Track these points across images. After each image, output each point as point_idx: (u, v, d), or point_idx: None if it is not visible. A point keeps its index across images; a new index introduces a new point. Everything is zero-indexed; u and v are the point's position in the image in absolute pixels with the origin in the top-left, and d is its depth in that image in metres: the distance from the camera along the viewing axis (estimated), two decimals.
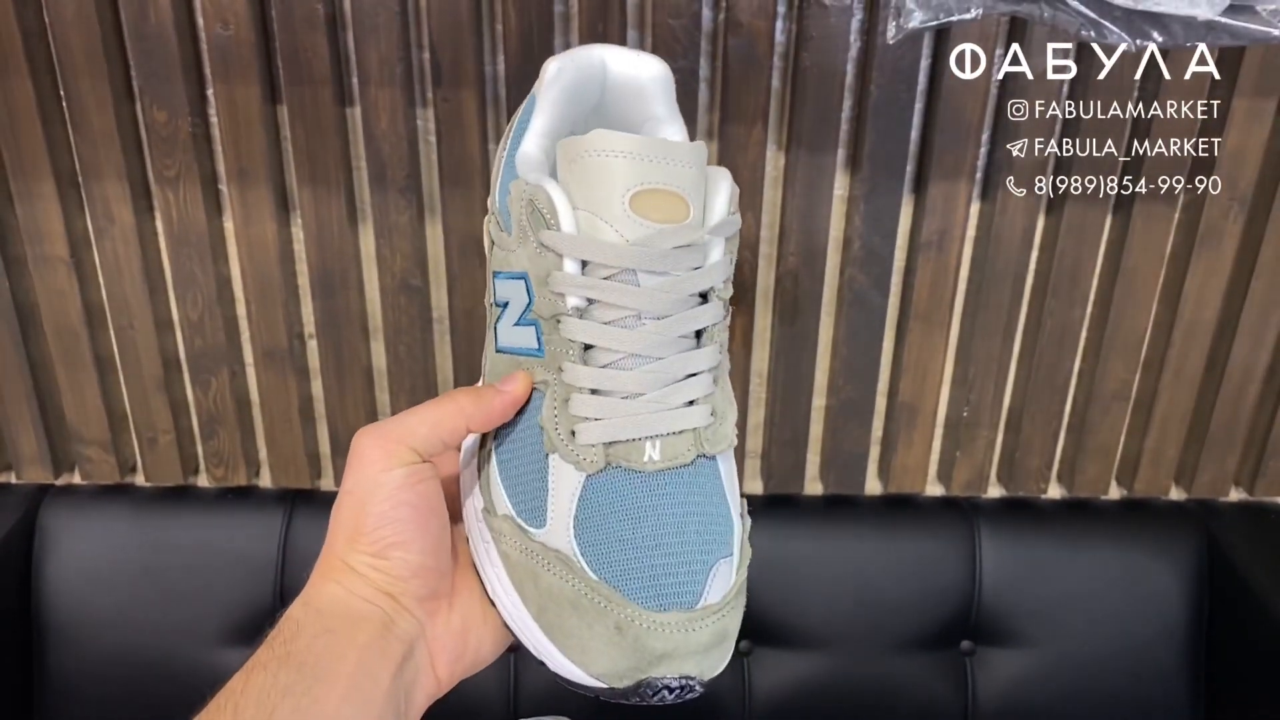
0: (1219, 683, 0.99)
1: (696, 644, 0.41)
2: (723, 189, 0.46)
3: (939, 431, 1.01)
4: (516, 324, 0.45)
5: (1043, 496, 1.03)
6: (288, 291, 0.93)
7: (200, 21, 0.84)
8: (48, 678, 0.99)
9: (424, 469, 0.44)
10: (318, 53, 0.83)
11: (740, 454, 1.00)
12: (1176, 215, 0.92)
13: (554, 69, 0.50)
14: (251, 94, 0.85)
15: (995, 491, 1.04)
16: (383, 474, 0.43)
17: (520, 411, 0.46)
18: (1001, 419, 1.00)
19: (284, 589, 0.97)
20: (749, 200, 0.89)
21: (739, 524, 0.47)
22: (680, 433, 0.43)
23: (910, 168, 0.90)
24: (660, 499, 0.42)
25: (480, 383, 0.50)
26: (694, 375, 0.44)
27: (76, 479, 1.03)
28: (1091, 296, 0.95)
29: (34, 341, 0.96)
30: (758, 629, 0.99)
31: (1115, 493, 1.04)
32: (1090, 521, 1.01)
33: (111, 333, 0.96)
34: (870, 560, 0.99)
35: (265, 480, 1.03)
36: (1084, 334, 0.97)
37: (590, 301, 0.43)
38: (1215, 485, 1.02)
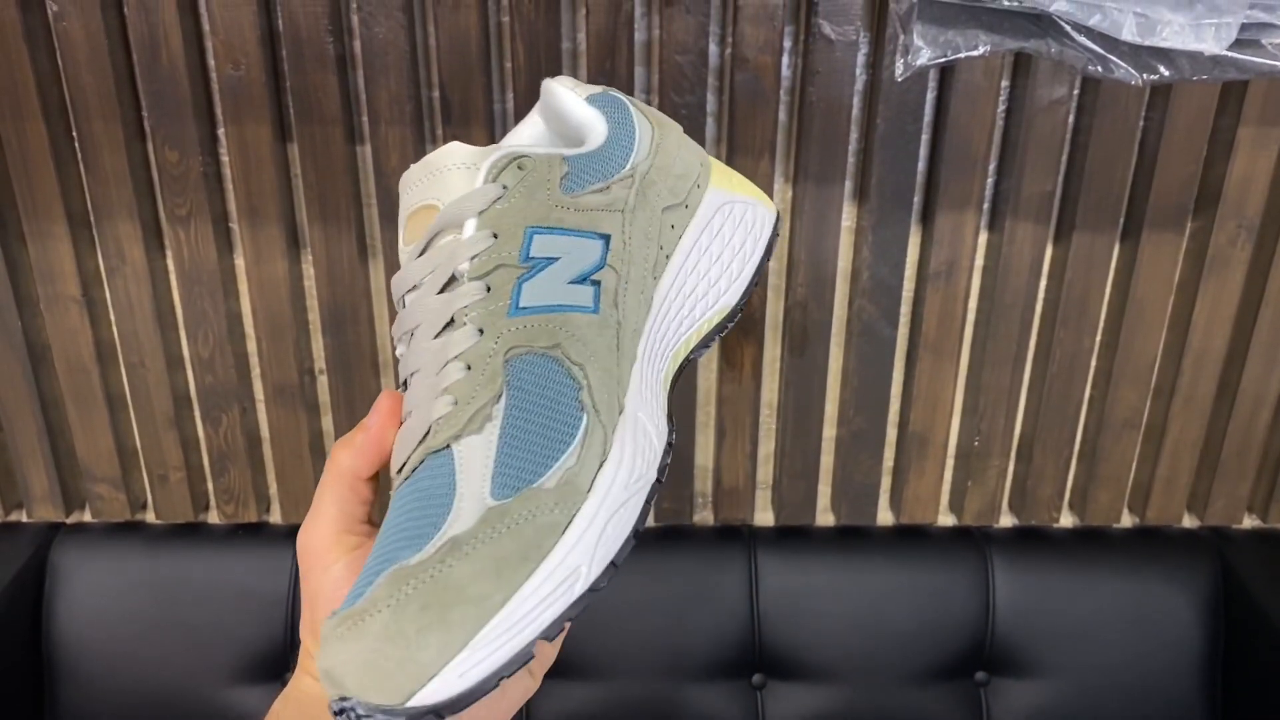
0: (1235, 712, 0.98)
1: (334, 656, 0.35)
2: (486, 161, 0.43)
3: (950, 461, 1.01)
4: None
5: (1055, 525, 1.03)
6: (298, 328, 0.94)
7: (211, 62, 0.85)
8: (59, 715, 0.98)
9: (366, 548, 0.42)
10: (328, 92, 0.83)
11: (750, 485, 1.00)
12: (1184, 243, 0.92)
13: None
14: (262, 133, 0.85)
15: (1007, 521, 1.04)
16: (323, 573, 0.42)
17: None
18: (1013, 448, 1.00)
19: (295, 625, 0.97)
20: None
21: (466, 516, 0.37)
22: (424, 437, 0.40)
23: (918, 199, 0.90)
24: (390, 515, 0.40)
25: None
26: (444, 367, 0.41)
27: (87, 516, 1.03)
28: (1101, 325, 0.95)
29: (45, 379, 0.96)
30: (770, 662, 0.98)
31: (1128, 521, 1.04)
32: (1103, 550, 1.00)
33: (123, 370, 0.96)
34: (883, 591, 0.98)
35: (276, 517, 1.03)
36: (1094, 362, 0.96)
37: (396, 337, 0.45)
38: (1229, 512, 1.02)
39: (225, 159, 0.88)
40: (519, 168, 0.43)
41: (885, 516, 1.03)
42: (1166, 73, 0.68)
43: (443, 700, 0.34)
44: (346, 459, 0.43)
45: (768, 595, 0.98)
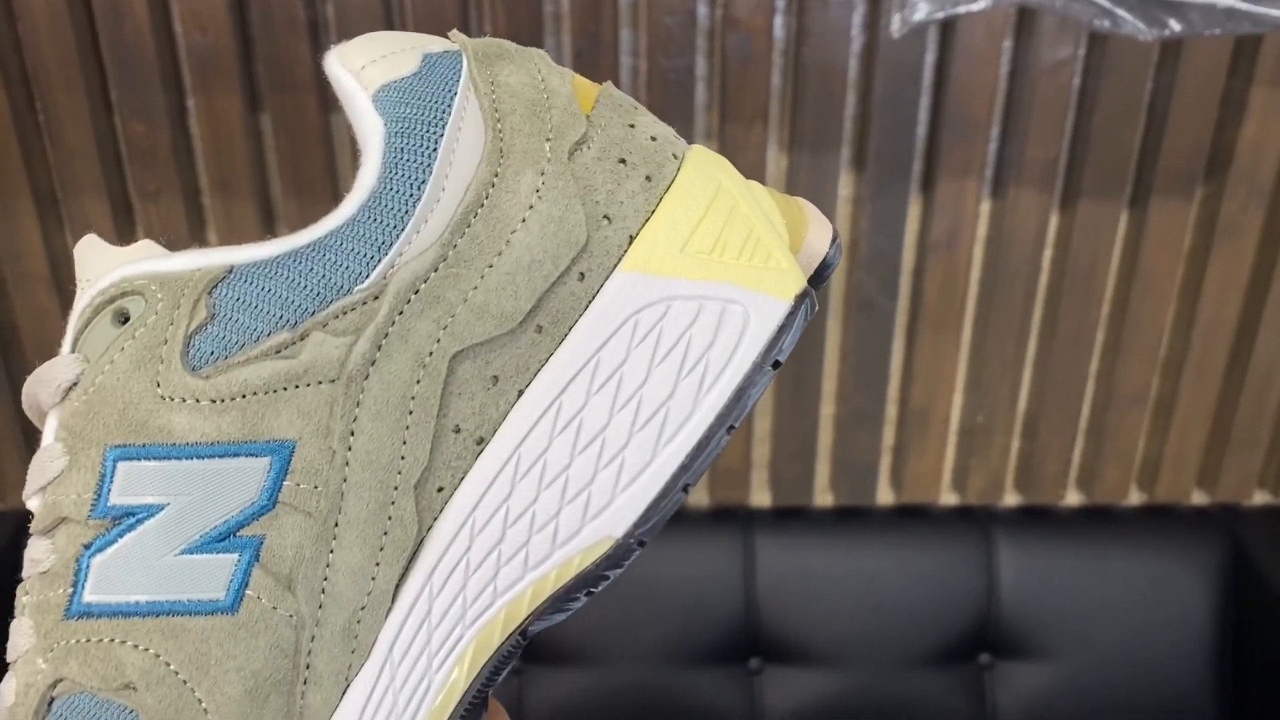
0: (1247, 693, 0.96)
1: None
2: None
3: (952, 439, 0.98)
4: None
5: (1061, 504, 1.00)
6: None
7: (178, 29, 0.81)
8: None
9: None
10: (300, 59, 0.80)
11: (746, 465, 0.98)
12: (1194, 210, 0.89)
13: None
14: (232, 103, 0.82)
15: (1012, 499, 1.01)
16: None
17: None
18: (1017, 424, 0.97)
19: None
20: None
21: None
22: None
23: (917, 166, 0.87)
24: None
25: None
26: None
27: None
28: (1108, 296, 0.92)
29: (15, 361, 0.93)
30: (767, 646, 0.96)
31: (1136, 498, 1.01)
32: (1110, 529, 0.98)
33: None
34: (883, 573, 0.96)
35: None
36: (1100, 335, 0.94)
37: None
38: (1239, 488, 0.99)
39: (195, 131, 0.85)
40: (119, 318, 0.24)
41: (886, 496, 1.01)
42: (1177, 26, 0.65)
43: None
44: None
45: (765, 578, 0.95)
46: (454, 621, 0.24)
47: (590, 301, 0.25)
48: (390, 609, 0.24)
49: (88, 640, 0.23)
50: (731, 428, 0.25)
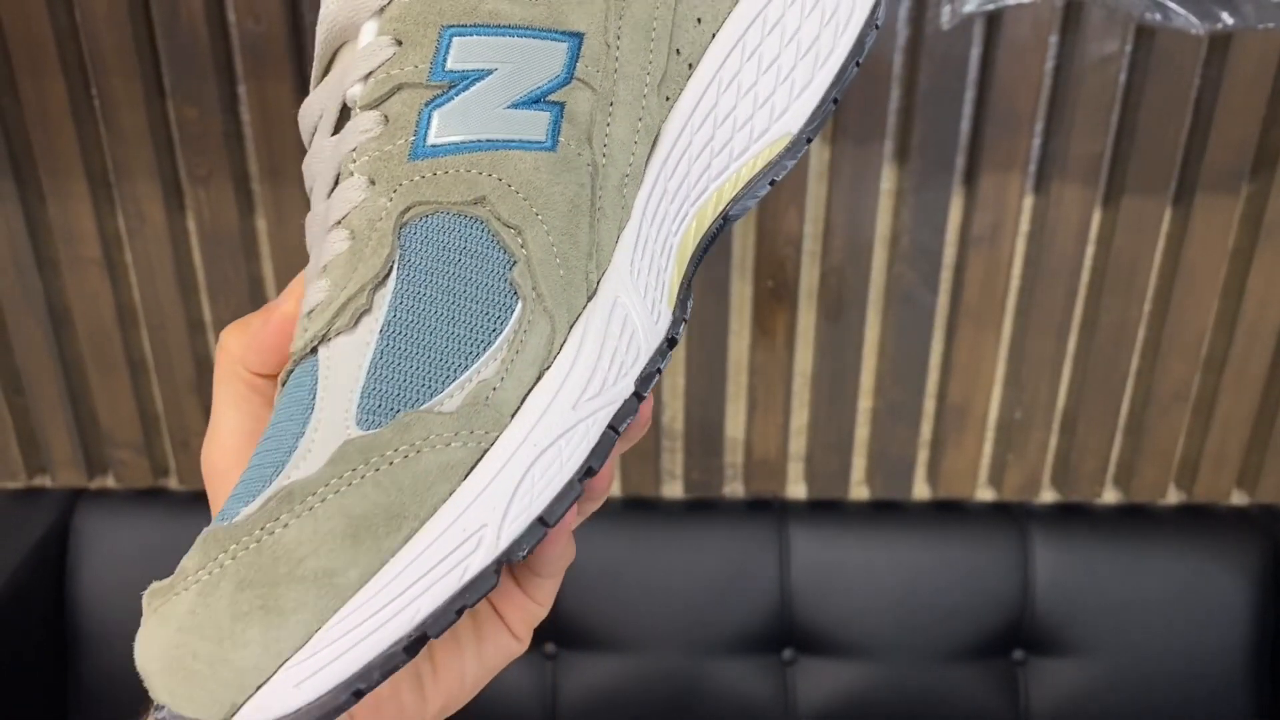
0: None
1: (144, 646, 0.26)
2: None
3: (990, 434, 0.98)
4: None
5: (1098, 501, 1.00)
6: None
7: (231, 17, 0.83)
8: (82, 681, 0.98)
9: None
10: None
11: (783, 457, 0.98)
12: (1239, 207, 0.88)
13: None
14: (283, 90, 0.83)
15: (1048, 496, 1.01)
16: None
17: None
18: (1055, 421, 0.97)
19: None
20: (792, 195, 0.86)
21: (313, 456, 0.27)
22: (302, 334, 0.30)
23: (961, 160, 0.87)
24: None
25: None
26: (325, 236, 0.30)
27: (110, 482, 1.02)
28: (1149, 293, 0.91)
29: (67, 343, 0.95)
30: (800, 637, 0.96)
31: (1174, 497, 1.00)
32: (1148, 527, 0.97)
33: (144, 334, 0.95)
34: (918, 567, 0.96)
35: None
36: (1141, 332, 0.93)
37: None
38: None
39: (245, 117, 0.86)
40: None
41: (921, 490, 1.01)
42: (1230, 20, 0.65)
43: (290, 712, 0.25)
44: (237, 347, 0.32)
45: (799, 569, 0.96)
46: (682, 199, 0.32)
47: None
48: (640, 182, 0.31)
49: (435, 174, 0.29)
50: (858, 63, 0.33)
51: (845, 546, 0.97)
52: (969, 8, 0.64)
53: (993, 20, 0.81)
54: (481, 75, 0.29)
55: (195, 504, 0.99)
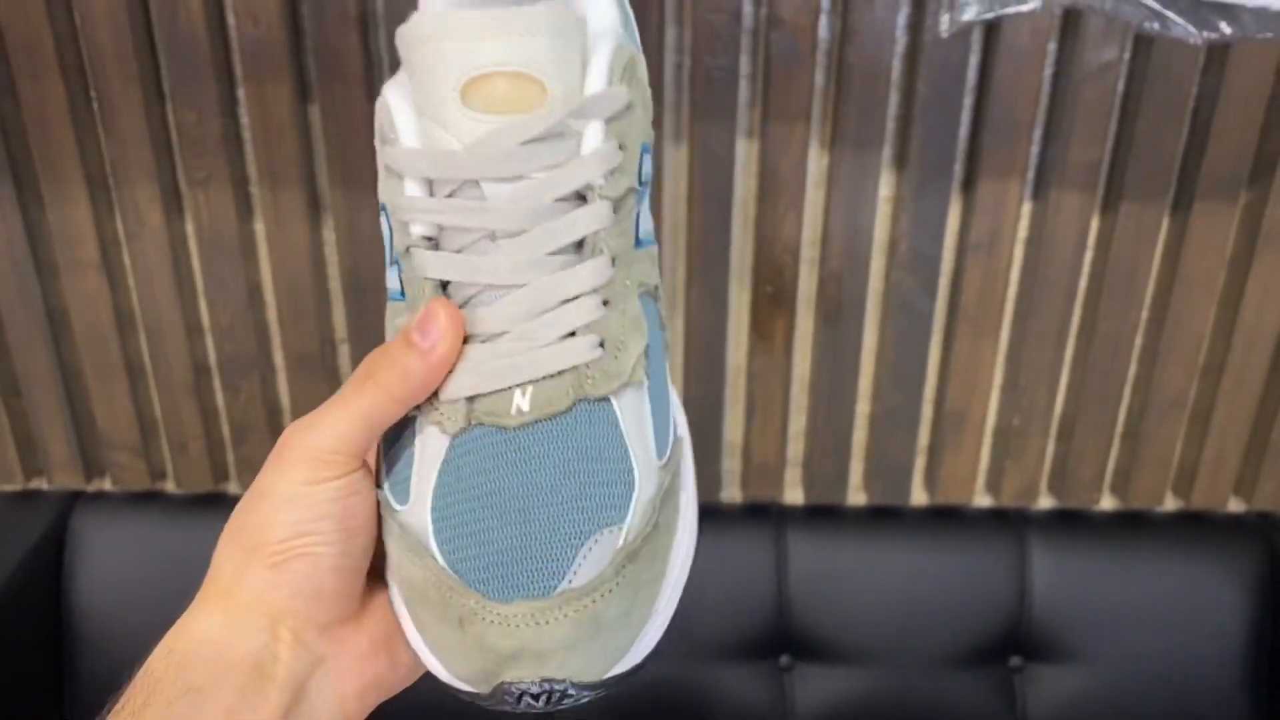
0: None
1: (553, 640, 0.33)
2: (601, 54, 0.35)
3: (988, 440, 0.98)
4: (389, 265, 0.37)
5: (1095, 508, 1.00)
6: (319, 296, 0.92)
7: (231, 21, 0.83)
8: (78, 683, 0.98)
9: (358, 480, 0.36)
10: (350, 51, 0.81)
11: (780, 462, 0.98)
12: (1237, 215, 0.88)
13: None
14: (282, 94, 0.83)
15: (1046, 502, 1.01)
16: (309, 486, 0.35)
17: None
18: (1053, 427, 0.97)
19: None
20: (791, 201, 0.86)
21: (647, 479, 0.36)
22: (557, 375, 0.35)
23: (959, 167, 0.87)
24: (526, 460, 0.35)
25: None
26: (572, 300, 0.35)
27: (107, 485, 1.02)
28: (1147, 300, 0.92)
29: (65, 346, 0.95)
30: (797, 643, 0.96)
31: (1171, 504, 1.00)
32: (1145, 534, 0.97)
33: (142, 337, 0.95)
34: (915, 573, 0.96)
35: None
36: (1139, 339, 0.93)
37: (440, 228, 0.36)
38: (1277, 497, 0.98)
39: (245, 120, 0.86)
40: (633, 68, 0.36)
41: (919, 496, 1.01)
42: (1229, 30, 0.65)
43: (631, 668, 0.36)
44: (420, 371, 0.35)
45: (796, 575, 0.96)
46: None
47: None
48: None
49: (643, 262, 0.37)
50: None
51: (843, 552, 0.97)
52: (968, 16, 0.64)
53: (991, 28, 0.81)
54: (649, 185, 0.37)
55: (191, 507, 0.99)
